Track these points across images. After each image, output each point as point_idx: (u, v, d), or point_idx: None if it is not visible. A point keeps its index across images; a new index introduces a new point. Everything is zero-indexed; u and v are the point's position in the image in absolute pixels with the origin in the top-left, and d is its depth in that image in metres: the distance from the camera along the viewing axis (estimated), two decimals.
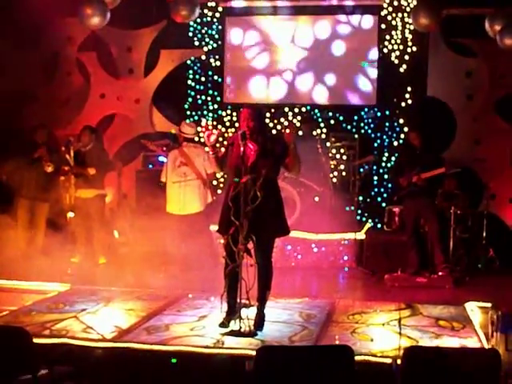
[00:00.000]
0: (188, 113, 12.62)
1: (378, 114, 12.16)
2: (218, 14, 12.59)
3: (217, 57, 12.69)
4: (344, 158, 12.01)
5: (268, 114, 12.09)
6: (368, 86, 12.34)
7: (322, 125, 12.24)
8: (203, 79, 12.69)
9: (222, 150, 7.39)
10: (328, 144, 11.95)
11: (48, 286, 8.87)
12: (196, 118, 12.56)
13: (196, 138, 10.46)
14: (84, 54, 13.03)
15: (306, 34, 12.51)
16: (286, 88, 12.63)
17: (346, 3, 12.31)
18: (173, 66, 12.85)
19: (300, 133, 12.03)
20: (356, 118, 12.23)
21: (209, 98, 12.68)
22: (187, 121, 11.26)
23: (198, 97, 12.69)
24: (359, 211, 11.70)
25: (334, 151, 11.98)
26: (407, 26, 11.87)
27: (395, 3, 11.95)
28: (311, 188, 11.43)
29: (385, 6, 12.02)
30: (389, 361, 6.17)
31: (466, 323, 7.48)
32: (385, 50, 12.08)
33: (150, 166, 12.20)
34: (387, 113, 12.10)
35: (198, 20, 12.45)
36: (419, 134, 10.00)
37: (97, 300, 8.29)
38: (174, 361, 6.26)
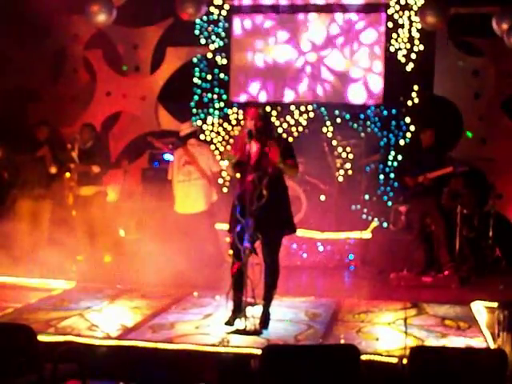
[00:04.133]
0: (194, 111, 12.60)
1: (385, 112, 12.12)
2: (224, 12, 12.57)
3: (223, 55, 12.67)
4: (350, 156, 11.98)
5: (274, 113, 12.07)
6: (375, 84, 12.30)
7: (328, 123, 12.20)
8: (209, 77, 12.66)
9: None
10: (334, 143, 11.93)
11: (53, 284, 8.88)
12: (202, 115, 12.55)
13: (202, 137, 10.45)
14: (90, 52, 13.02)
15: (312, 32, 12.48)
16: (292, 86, 12.59)
17: (354, 1, 12.27)
18: (179, 64, 12.83)
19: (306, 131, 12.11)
20: (362, 116, 12.20)
21: (215, 96, 12.66)
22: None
23: (204, 95, 12.67)
24: (365, 210, 11.69)
25: (340, 150, 11.96)
26: (414, 24, 11.85)
27: (402, 2, 11.92)
28: (317, 187, 11.42)
29: (392, 4, 12.00)
30: (394, 360, 6.15)
31: (472, 323, 7.46)
32: (392, 49, 12.05)
33: (156, 164, 12.19)
34: (394, 111, 12.07)
35: (205, 18, 12.44)
36: (433, 133, 9.98)
37: (102, 298, 8.30)
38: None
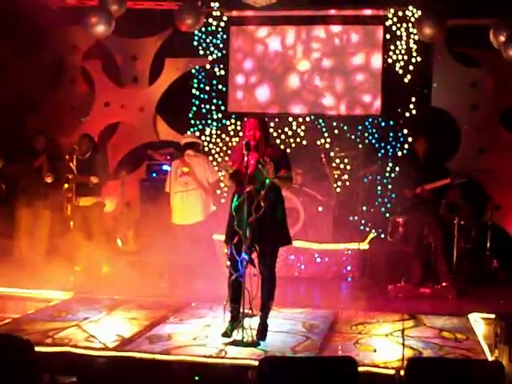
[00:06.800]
0: (192, 122, 12.61)
1: (383, 123, 12.14)
2: (222, 24, 12.59)
3: (221, 66, 12.69)
4: (348, 167, 12.00)
5: (272, 124, 12.08)
6: (373, 95, 12.32)
7: (326, 134, 12.22)
8: (207, 88, 12.68)
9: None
10: (332, 154, 11.93)
11: (51, 294, 8.87)
12: (200, 127, 12.56)
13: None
14: (89, 62, 13.04)
15: (310, 44, 12.51)
16: (290, 97, 12.61)
17: (352, 13, 12.31)
18: (177, 75, 12.86)
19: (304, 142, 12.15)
20: (360, 127, 12.21)
21: (213, 107, 12.67)
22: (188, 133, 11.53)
23: (202, 106, 12.68)
24: (363, 221, 11.68)
25: (337, 161, 11.97)
26: (412, 36, 11.88)
27: (400, 13, 11.96)
28: (315, 198, 11.41)
29: (390, 16, 12.03)
30: (392, 372, 6.15)
31: (469, 334, 7.47)
32: (389, 60, 12.08)
33: (154, 175, 12.20)
34: (391, 123, 12.09)
35: (203, 29, 12.46)
36: (426, 140, 9.99)
37: (99, 308, 8.29)
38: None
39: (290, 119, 12.38)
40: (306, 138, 12.27)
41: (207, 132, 12.54)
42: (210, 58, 12.65)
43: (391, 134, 12.09)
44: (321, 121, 12.34)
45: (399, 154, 11.97)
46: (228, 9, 12.55)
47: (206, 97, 12.68)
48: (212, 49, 12.64)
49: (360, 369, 5.39)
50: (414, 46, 11.91)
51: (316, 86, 12.52)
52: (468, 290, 9.76)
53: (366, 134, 12.19)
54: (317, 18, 12.47)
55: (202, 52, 12.65)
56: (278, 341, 7.10)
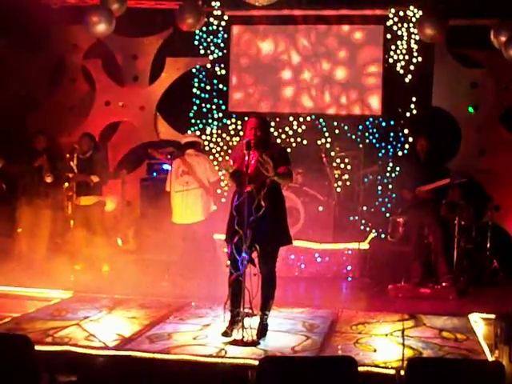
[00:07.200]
0: (193, 121, 12.62)
1: (383, 123, 12.14)
2: (223, 23, 12.60)
3: (222, 65, 12.70)
4: (348, 167, 12.00)
5: (273, 123, 12.08)
6: (373, 95, 12.32)
7: (326, 134, 12.22)
8: (208, 87, 12.69)
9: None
10: (332, 153, 11.93)
11: (51, 293, 8.86)
12: (201, 126, 12.56)
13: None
14: (89, 62, 13.06)
15: (311, 44, 12.51)
16: (291, 97, 12.62)
17: (353, 13, 12.31)
18: (178, 74, 12.86)
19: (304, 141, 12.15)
20: (361, 127, 12.21)
21: (214, 107, 12.68)
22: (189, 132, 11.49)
23: (203, 105, 12.69)
24: (363, 221, 11.68)
25: (338, 161, 11.97)
26: (413, 36, 11.89)
27: (401, 13, 11.97)
28: (315, 197, 11.41)
29: (390, 16, 12.04)
30: (392, 372, 6.14)
31: (469, 334, 7.45)
32: (390, 61, 12.09)
33: (155, 174, 12.20)
34: (392, 123, 12.09)
35: (204, 28, 12.47)
36: (426, 140, 9.98)
37: (99, 308, 8.28)
38: None
39: (291, 119, 12.39)
40: (307, 137, 12.27)
41: (208, 131, 12.56)
42: (210, 57, 12.67)
43: (392, 134, 12.11)
44: (321, 120, 12.35)
45: (400, 153, 11.98)
46: (229, 8, 12.56)
47: (207, 96, 12.69)
48: (213, 48, 12.65)
49: (360, 369, 5.39)
50: (415, 46, 11.92)
51: (316, 85, 12.52)
52: (468, 290, 9.75)
53: (367, 134, 12.21)
54: (318, 18, 12.47)
55: (202, 51, 12.66)
56: (277, 340, 7.09)
